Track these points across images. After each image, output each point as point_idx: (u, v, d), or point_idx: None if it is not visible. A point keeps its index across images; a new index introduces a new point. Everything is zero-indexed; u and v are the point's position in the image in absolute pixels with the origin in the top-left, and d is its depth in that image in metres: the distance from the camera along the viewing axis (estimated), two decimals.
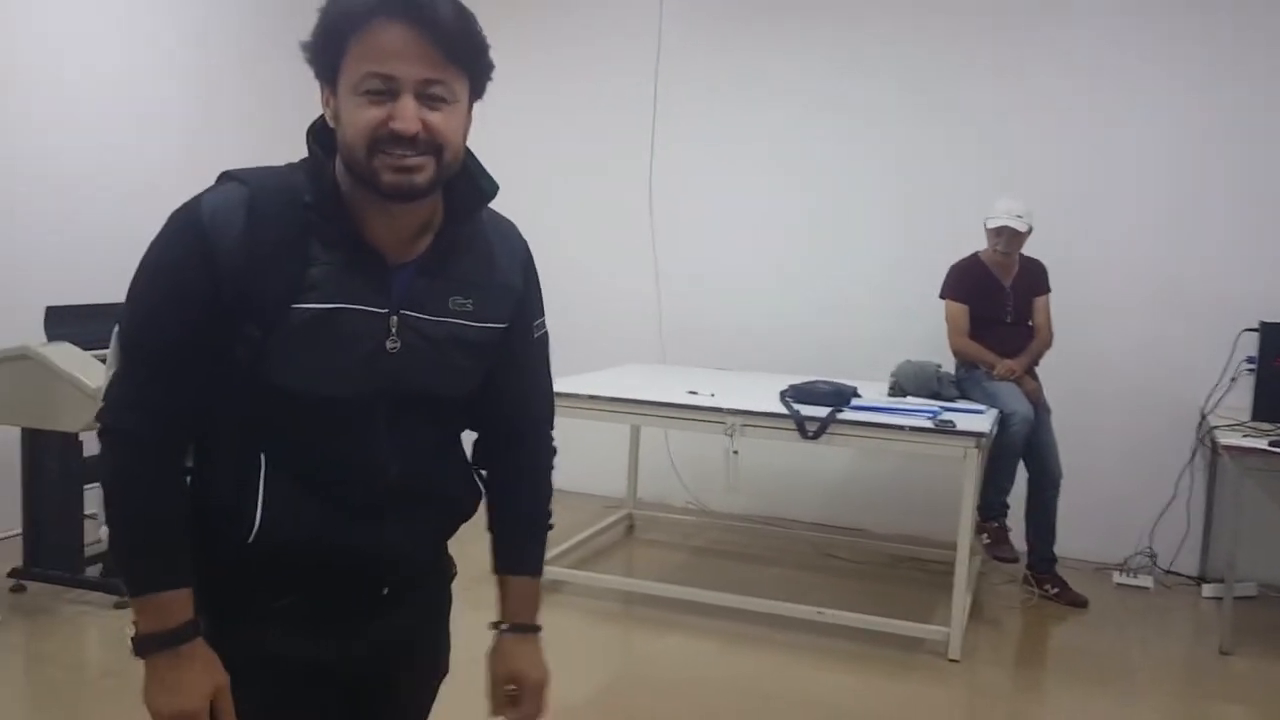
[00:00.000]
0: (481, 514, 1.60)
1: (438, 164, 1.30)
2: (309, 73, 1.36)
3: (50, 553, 4.01)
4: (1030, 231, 4.62)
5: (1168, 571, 5.07)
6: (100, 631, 3.81)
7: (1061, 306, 4.84)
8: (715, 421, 4.14)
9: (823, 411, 4.03)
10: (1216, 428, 4.42)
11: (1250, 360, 4.68)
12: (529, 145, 6.08)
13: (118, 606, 3.89)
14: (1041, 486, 4.65)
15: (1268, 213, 4.96)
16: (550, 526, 1.66)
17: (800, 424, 3.99)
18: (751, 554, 5.26)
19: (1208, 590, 4.84)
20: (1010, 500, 4.60)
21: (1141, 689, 3.84)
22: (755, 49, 5.73)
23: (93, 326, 3.97)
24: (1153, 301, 5.13)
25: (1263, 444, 4.06)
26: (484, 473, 1.60)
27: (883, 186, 5.56)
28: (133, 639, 1.34)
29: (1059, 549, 4.72)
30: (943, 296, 4.75)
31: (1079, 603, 4.59)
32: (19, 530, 4.09)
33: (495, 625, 1.61)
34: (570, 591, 4.46)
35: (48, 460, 3.98)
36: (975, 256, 4.76)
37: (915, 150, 5.48)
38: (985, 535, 4.56)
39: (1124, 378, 5.17)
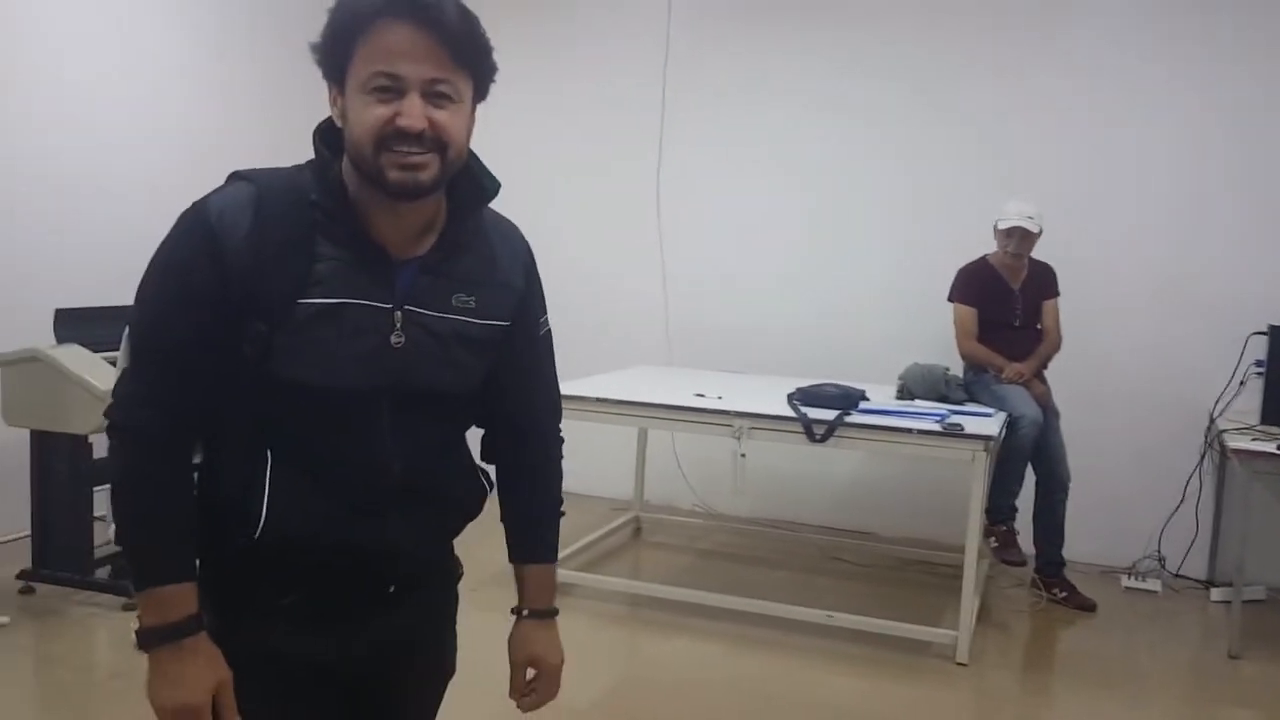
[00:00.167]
0: (487, 516, 1.61)
1: (442, 161, 1.33)
2: (317, 74, 1.38)
3: (59, 554, 4.02)
4: (1040, 233, 4.61)
5: (1176, 575, 5.06)
6: (109, 633, 3.82)
7: (1069, 309, 4.83)
8: (722, 424, 4.13)
9: (830, 414, 4.03)
10: (1225, 431, 4.40)
11: (1259, 363, 4.67)
12: (537, 147, 6.09)
13: (126, 608, 3.90)
14: (1050, 490, 4.64)
15: (1276, 214, 4.95)
16: (562, 514, 1.69)
17: (808, 427, 3.99)
18: (758, 557, 5.26)
19: (1216, 594, 4.83)
20: (1019, 504, 4.59)
21: (1150, 693, 3.83)
22: (762, 51, 5.74)
23: (102, 329, 3.98)
24: (1161, 304, 5.12)
25: (1271, 447, 4.04)
26: (490, 470, 1.61)
27: (889, 188, 5.56)
28: (137, 632, 1.36)
29: (1067, 552, 4.71)
30: (951, 299, 4.75)
31: (1087, 606, 4.58)
32: (28, 532, 4.11)
33: (515, 611, 1.64)
34: (577, 594, 4.46)
35: (57, 462, 3.99)
36: (984, 259, 4.75)
37: (921, 152, 5.48)
38: (993, 539, 4.56)
39: (1132, 381, 5.16)
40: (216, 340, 1.32)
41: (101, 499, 3.97)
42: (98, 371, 3.79)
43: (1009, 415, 4.37)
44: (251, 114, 5.60)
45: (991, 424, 4.08)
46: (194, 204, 1.35)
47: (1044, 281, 4.77)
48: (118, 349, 1.42)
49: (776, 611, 4.16)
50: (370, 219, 1.37)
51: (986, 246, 4.77)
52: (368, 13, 1.29)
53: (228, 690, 1.36)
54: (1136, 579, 4.99)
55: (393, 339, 1.38)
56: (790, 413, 4.09)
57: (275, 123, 5.40)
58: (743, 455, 4.09)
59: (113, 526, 1.39)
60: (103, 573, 4.06)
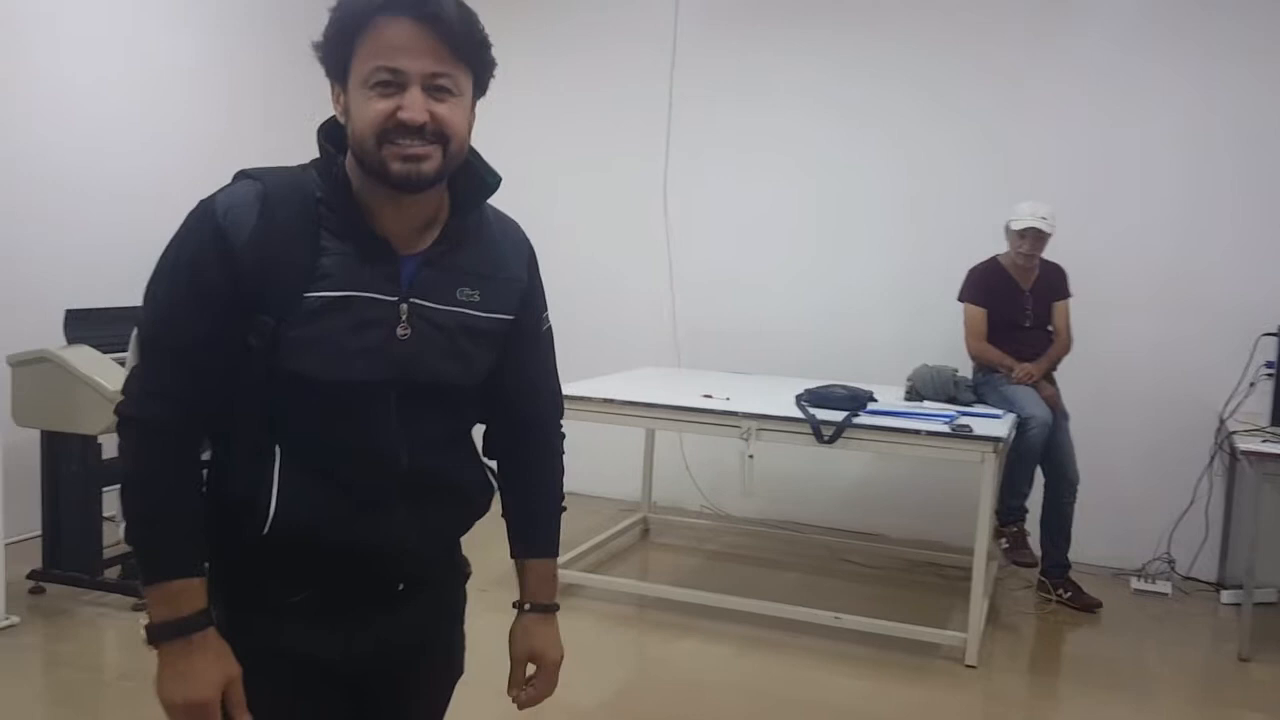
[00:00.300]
0: (494, 518, 1.62)
1: (444, 154, 1.36)
2: (322, 75, 1.40)
3: (69, 555, 4.03)
4: (1052, 233, 4.59)
5: (1186, 577, 5.04)
6: (118, 633, 3.83)
7: (1078, 310, 4.82)
8: (731, 425, 4.13)
9: (839, 416, 4.02)
10: (1235, 433, 4.38)
11: (1269, 365, 4.64)
12: (544, 147, 6.10)
13: (136, 609, 3.91)
14: (1059, 492, 4.63)
15: None
16: (564, 509, 1.70)
17: (816, 428, 3.98)
18: (766, 558, 5.25)
19: (1226, 596, 4.81)
20: (1028, 505, 4.58)
21: (1159, 696, 3.81)
22: (768, 52, 5.73)
23: (111, 329, 4.00)
24: (1169, 305, 5.10)
25: None
26: (495, 467, 1.62)
27: (896, 189, 5.55)
28: (146, 628, 1.37)
29: (1076, 554, 4.70)
30: (961, 299, 4.74)
31: (1092, 606, 4.57)
32: (38, 532, 4.12)
33: (517, 605, 1.65)
34: (585, 595, 4.46)
35: (67, 463, 4.01)
36: (995, 260, 4.73)
37: (927, 152, 5.47)
38: (1004, 540, 4.54)
39: (1141, 382, 5.14)
40: (225, 335, 1.34)
41: (111, 499, 3.99)
42: (107, 372, 3.81)
43: (1018, 416, 4.36)
44: (258, 115, 5.62)
45: (1000, 425, 4.06)
46: (201, 202, 1.38)
47: (1055, 282, 4.76)
48: (127, 349, 1.44)
49: (784, 613, 4.16)
50: (374, 213, 1.39)
51: (994, 247, 4.76)
52: (368, 10, 1.32)
53: (237, 686, 1.37)
54: (1146, 581, 4.97)
55: (398, 331, 1.39)
56: (798, 414, 4.09)
57: (281, 124, 5.41)
58: (751, 456, 4.09)
59: (123, 525, 1.40)
60: (112, 573, 4.08)
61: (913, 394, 4.60)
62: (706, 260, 5.90)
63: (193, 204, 1.38)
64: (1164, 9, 5.06)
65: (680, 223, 5.94)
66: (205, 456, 1.42)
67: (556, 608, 1.67)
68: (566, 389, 4.75)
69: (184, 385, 1.35)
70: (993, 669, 3.96)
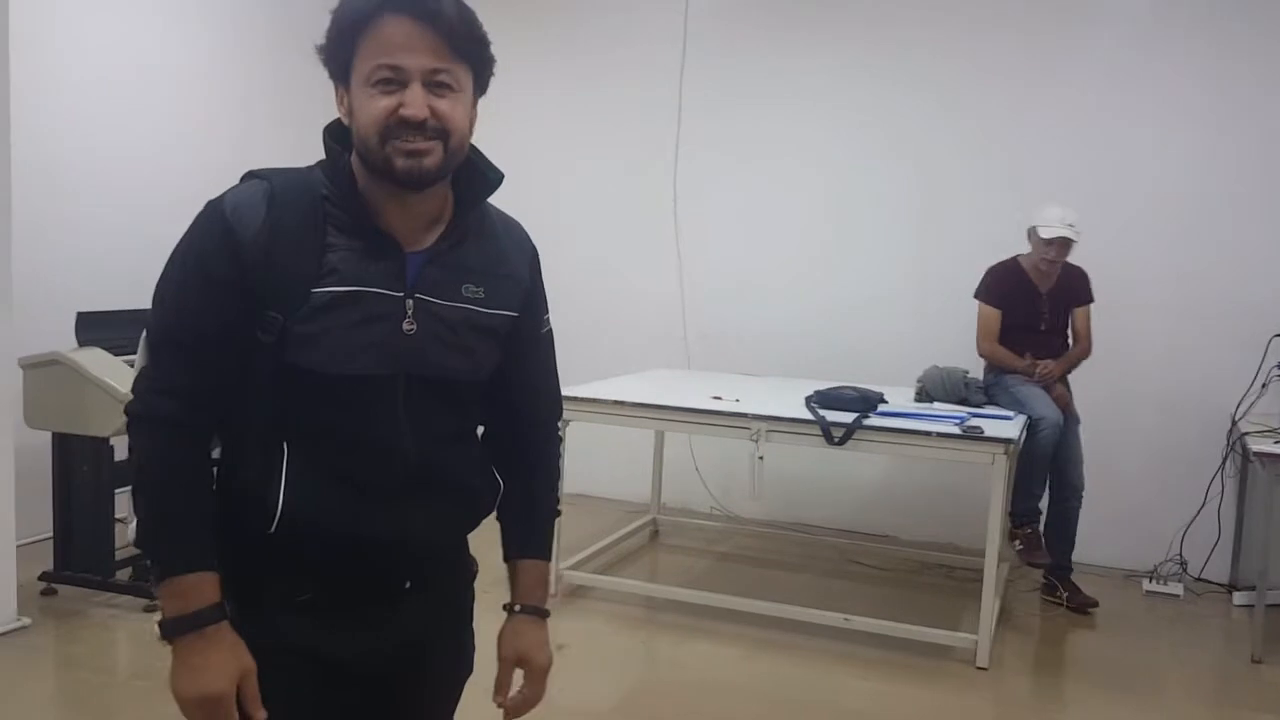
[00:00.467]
0: (493, 517, 1.63)
1: (445, 149, 1.38)
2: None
3: (81, 556, 4.05)
4: (1078, 240, 4.51)
5: (1198, 579, 5.02)
6: (130, 635, 3.84)
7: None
8: (740, 427, 4.13)
9: (849, 417, 4.01)
10: (1247, 434, 4.37)
11: None
12: (554, 150, 6.11)
13: (147, 610, 3.92)
14: (1064, 496, 4.60)
15: None
16: (558, 514, 1.70)
17: (826, 430, 3.98)
18: (776, 560, 5.25)
19: (1239, 598, 4.79)
20: (1040, 506, 4.56)
21: (1172, 698, 3.80)
22: (778, 55, 5.73)
23: (122, 332, 4.02)
24: (1182, 307, 5.08)
25: None
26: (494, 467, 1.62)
27: (906, 191, 5.54)
28: (160, 623, 1.37)
29: (1088, 555, 4.69)
30: (977, 297, 4.68)
31: (1086, 606, 4.55)
32: (50, 534, 4.13)
33: (507, 607, 1.64)
34: (595, 597, 4.46)
35: (78, 464, 4.02)
36: (1015, 260, 4.66)
37: (937, 155, 5.46)
38: (1018, 541, 4.50)
39: (1153, 384, 5.13)
40: (234, 331, 1.36)
41: (123, 501, 4.00)
42: (118, 374, 3.82)
43: (1029, 418, 4.34)
44: (269, 120, 5.64)
45: (1011, 427, 4.05)
46: (209, 202, 1.40)
47: (1076, 287, 4.68)
48: (138, 352, 1.45)
49: (795, 615, 4.15)
50: (380, 211, 1.42)
51: (1003, 248, 4.74)
52: (368, 10, 1.34)
53: (251, 680, 1.38)
54: (1158, 583, 4.95)
55: (404, 326, 1.41)
56: (808, 415, 4.08)
57: (293, 129, 5.42)
58: (760, 458, 4.09)
59: (133, 525, 1.41)
60: (124, 574, 4.09)
61: (923, 395, 4.59)
62: (716, 262, 5.90)
63: (203, 206, 1.40)
64: (1174, 11, 5.05)
65: (690, 224, 5.93)
66: (215, 454, 1.43)
67: (548, 613, 1.65)
68: (577, 390, 4.76)
69: (193, 382, 1.37)
70: (1004, 671, 3.95)
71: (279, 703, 1.40)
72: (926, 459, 4.23)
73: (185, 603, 1.35)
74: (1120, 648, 4.23)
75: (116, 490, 4.03)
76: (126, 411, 1.39)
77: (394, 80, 1.34)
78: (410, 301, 1.41)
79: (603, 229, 6.08)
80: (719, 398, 4.40)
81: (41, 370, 3.91)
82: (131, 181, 4.99)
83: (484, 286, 1.48)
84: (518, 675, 1.62)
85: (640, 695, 3.64)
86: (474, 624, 1.66)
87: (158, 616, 1.38)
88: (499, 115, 6.27)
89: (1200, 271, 5.05)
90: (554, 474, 1.70)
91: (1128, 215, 5.14)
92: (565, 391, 4.64)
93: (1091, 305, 4.72)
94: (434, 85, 1.35)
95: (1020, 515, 4.46)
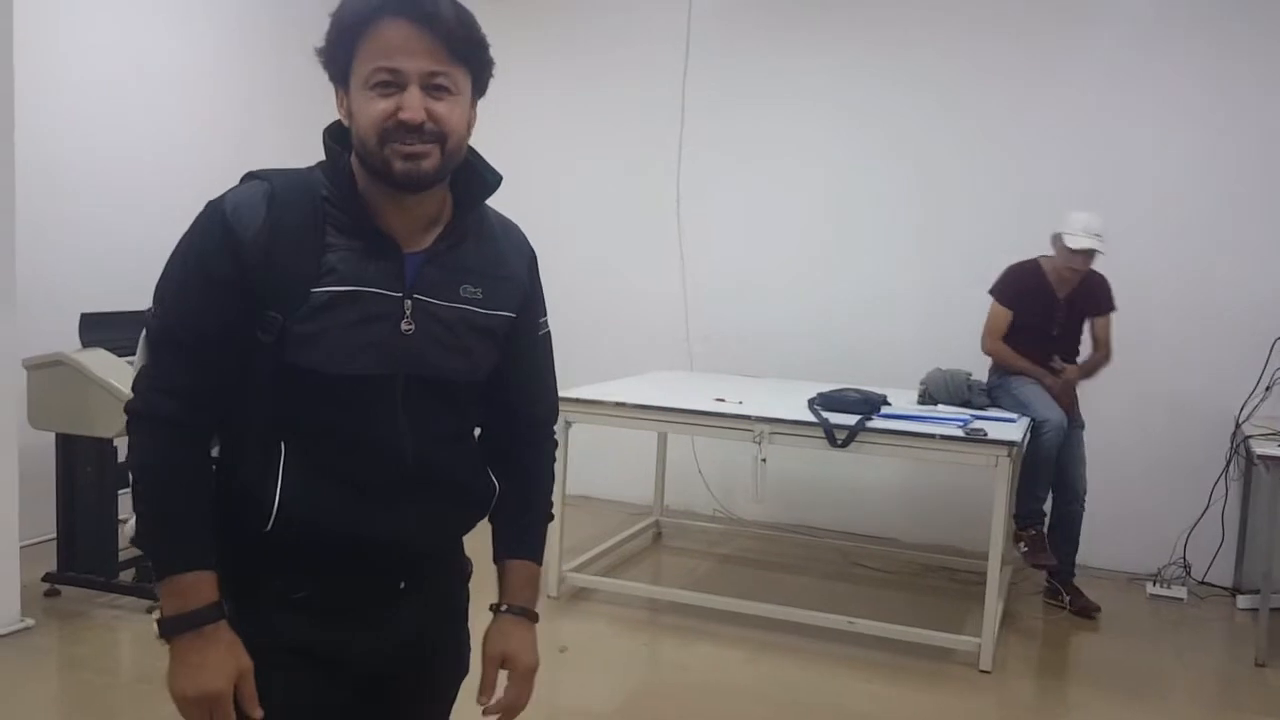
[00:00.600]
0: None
1: (443, 152, 1.38)
2: None
3: (84, 557, 4.05)
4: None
5: (1201, 582, 5.01)
6: (133, 636, 3.85)
7: None
8: (743, 429, 4.12)
9: (852, 419, 4.01)
10: (1251, 437, 4.36)
11: None
12: (557, 152, 6.11)
13: (150, 611, 3.92)
14: (1065, 500, 4.58)
15: None
16: (551, 516, 1.70)
17: (829, 432, 3.98)
18: (779, 562, 5.24)
19: (1243, 601, 4.78)
20: (1045, 508, 4.55)
21: (1175, 701, 3.80)
22: (781, 56, 5.73)
23: (126, 333, 4.02)
24: (1186, 309, 5.07)
25: None
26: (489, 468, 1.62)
27: (909, 193, 5.54)
28: (158, 622, 1.38)
29: (1091, 558, 4.68)
30: (991, 293, 4.61)
31: (1089, 611, 4.54)
32: (53, 535, 4.14)
33: (494, 607, 1.64)
34: (597, 599, 4.46)
35: (82, 465, 4.03)
36: (1036, 262, 4.55)
37: (940, 156, 5.46)
38: (1022, 543, 4.46)
39: (1157, 387, 5.12)
40: (234, 331, 1.37)
41: (126, 502, 3.99)
42: (122, 375, 3.82)
43: (1032, 420, 4.34)
44: (272, 121, 5.64)
45: (1015, 429, 4.05)
46: (210, 202, 1.41)
47: (1096, 296, 4.58)
48: (138, 351, 1.46)
49: (798, 617, 4.15)
50: (378, 212, 1.43)
51: (1005, 250, 4.72)
52: (367, 13, 1.36)
53: (249, 679, 1.38)
54: (1162, 586, 4.94)
55: (403, 326, 1.42)
56: (811, 418, 4.08)
57: (295, 130, 5.42)
58: (763, 460, 4.08)
59: (131, 521, 1.42)
60: (127, 575, 4.09)
61: (926, 398, 4.59)
62: (718, 263, 5.90)
63: (203, 207, 1.41)
64: (1176, 12, 5.04)
65: (692, 226, 5.93)
66: (214, 453, 1.44)
67: (536, 615, 1.64)
68: (579, 392, 4.76)
69: (193, 381, 1.37)
70: (1007, 674, 3.94)
71: (276, 702, 1.41)
72: (930, 461, 4.23)
73: (184, 601, 1.36)
74: (1124, 651, 4.22)
75: (120, 491, 4.03)
76: (127, 410, 1.39)
77: (392, 83, 1.35)
78: (409, 302, 1.42)
79: (605, 230, 6.08)
80: (722, 400, 4.40)
81: (45, 371, 3.92)
82: (135, 182, 5.00)
83: (482, 287, 1.49)
84: (503, 677, 1.61)
85: (643, 697, 3.64)
86: (469, 624, 1.66)
87: (156, 615, 1.38)
88: (502, 116, 6.26)
89: (1204, 273, 5.04)
90: (549, 476, 1.70)
91: (1131, 217, 5.13)
92: (568, 393, 4.67)
93: (1114, 314, 4.62)
94: (432, 88, 1.36)
95: (1024, 517, 4.45)
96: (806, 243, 5.75)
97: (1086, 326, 4.68)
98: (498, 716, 1.59)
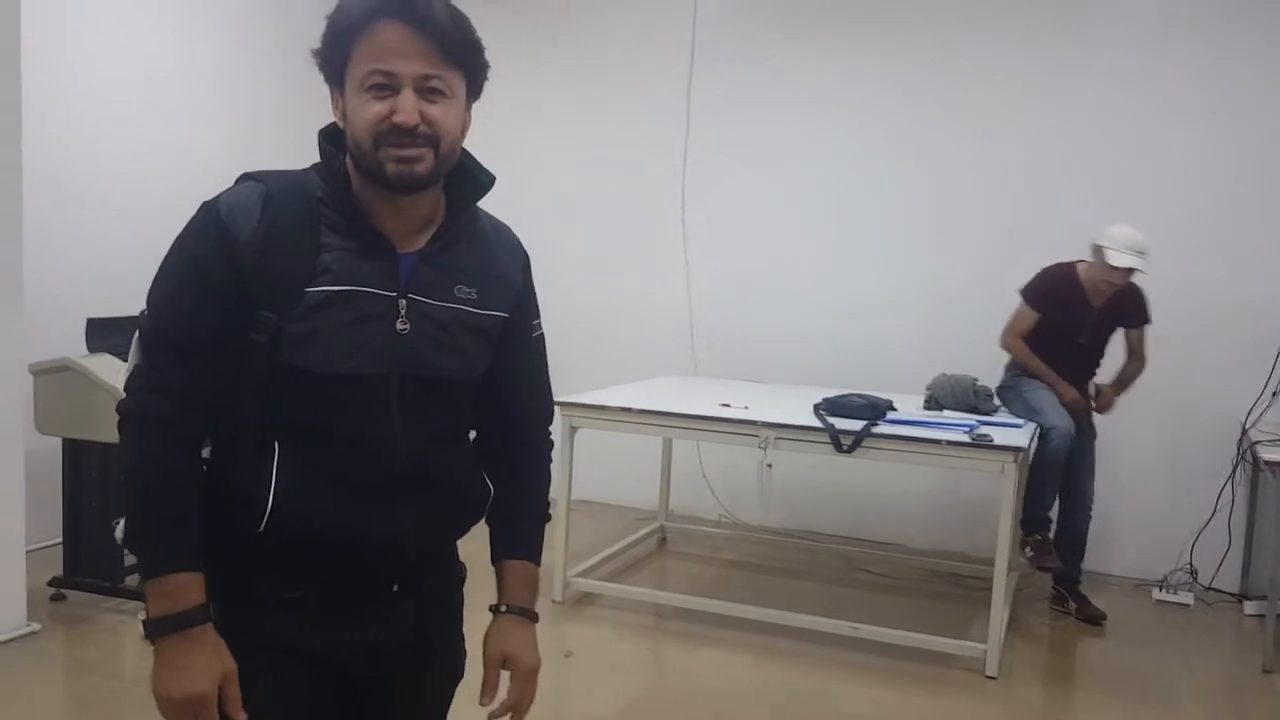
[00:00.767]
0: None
1: (436, 155, 1.39)
2: None
3: (90, 561, 4.05)
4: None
5: (1208, 588, 5.00)
6: (138, 640, 3.84)
7: None
8: (748, 434, 4.12)
9: (857, 425, 4.01)
10: (1258, 442, 4.35)
11: None
12: (562, 156, 6.13)
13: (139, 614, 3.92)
14: (1072, 508, 4.56)
15: None
16: (548, 517, 1.70)
17: (835, 437, 3.97)
18: (784, 568, 5.24)
19: (1250, 607, 4.77)
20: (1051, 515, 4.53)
21: (1182, 708, 3.78)
22: (787, 60, 5.73)
23: (132, 338, 4.02)
24: (1191, 314, 5.06)
25: None
26: (485, 470, 1.62)
27: (915, 197, 5.53)
28: (144, 622, 1.38)
29: (1098, 564, 4.67)
30: (1021, 293, 4.53)
31: (1096, 619, 4.52)
32: (60, 539, 4.14)
33: (494, 608, 1.64)
34: (602, 604, 4.46)
35: (88, 470, 4.03)
36: (1073, 267, 4.47)
37: (946, 161, 5.45)
38: (1028, 548, 4.44)
39: (1163, 392, 5.09)
40: (228, 331, 1.37)
41: None
42: None
43: (1040, 426, 4.32)
44: (277, 126, 5.65)
45: (1021, 435, 4.04)
46: (204, 203, 1.42)
47: (1130, 308, 4.51)
48: (131, 352, 1.46)
49: (802, 623, 4.14)
50: (373, 213, 1.43)
51: (1013, 256, 4.73)
52: (362, 16, 1.36)
53: (233, 681, 1.38)
54: (1168, 592, 4.93)
55: (398, 325, 1.42)
56: (817, 423, 4.07)
57: (301, 135, 5.42)
58: (769, 465, 4.08)
59: (121, 524, 1.41)
60: (133, 580, 4.08)
61: (932, 403, 4.58)
62: (724, 268, 5.90)
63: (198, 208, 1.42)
64: (1183, 17, 5.04)
65: (697, 230, 5.94)
66: (205, 454, 1.44)
67: (536, 615, 1.65)
68: (585, 397, 4.76)
69: (187, 381, 1.37)
70: (1013, 680, 3.93)
71: (265, 703, 1.40)
72: (935, 467, 4.21)
73: (171, 602, 1.35)
74: (1130, 657, 4.21)
75: None
76: (119, 410, 1.39)
77: (387, 86, 1.36)
78: (403, 301, 1.43)
79: (610, 234, 6.08)
80: (727, 405, 4.40)
81: (52, 376, 3.93)
82: (140, 188, 5.00)
83: (476, 287, 1.50)
84: (504, 678, 1.60)
85: (647, 703, 3.64)
86: (466, 628, 1.65)
87: (142, 616, 1.38)
88: (509, 122, 6.29)
89: (1210, 277, 5.03)
90: (544, 477, 1.69)
91: (1136, 220, 5.06)
92: (574, 398, 4.68)
93: (1148, 327, 4.57)
94: (426, 91, 1.37)
95: (1030, 523, 4.43)
96: (811, 247, 5.75)
97: (1114, 336, 4.61)
98: (506, 717, 1.59)
